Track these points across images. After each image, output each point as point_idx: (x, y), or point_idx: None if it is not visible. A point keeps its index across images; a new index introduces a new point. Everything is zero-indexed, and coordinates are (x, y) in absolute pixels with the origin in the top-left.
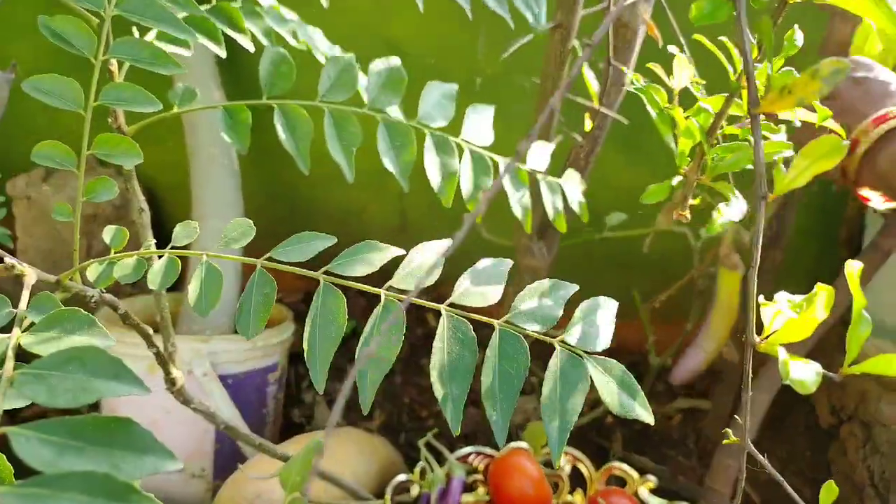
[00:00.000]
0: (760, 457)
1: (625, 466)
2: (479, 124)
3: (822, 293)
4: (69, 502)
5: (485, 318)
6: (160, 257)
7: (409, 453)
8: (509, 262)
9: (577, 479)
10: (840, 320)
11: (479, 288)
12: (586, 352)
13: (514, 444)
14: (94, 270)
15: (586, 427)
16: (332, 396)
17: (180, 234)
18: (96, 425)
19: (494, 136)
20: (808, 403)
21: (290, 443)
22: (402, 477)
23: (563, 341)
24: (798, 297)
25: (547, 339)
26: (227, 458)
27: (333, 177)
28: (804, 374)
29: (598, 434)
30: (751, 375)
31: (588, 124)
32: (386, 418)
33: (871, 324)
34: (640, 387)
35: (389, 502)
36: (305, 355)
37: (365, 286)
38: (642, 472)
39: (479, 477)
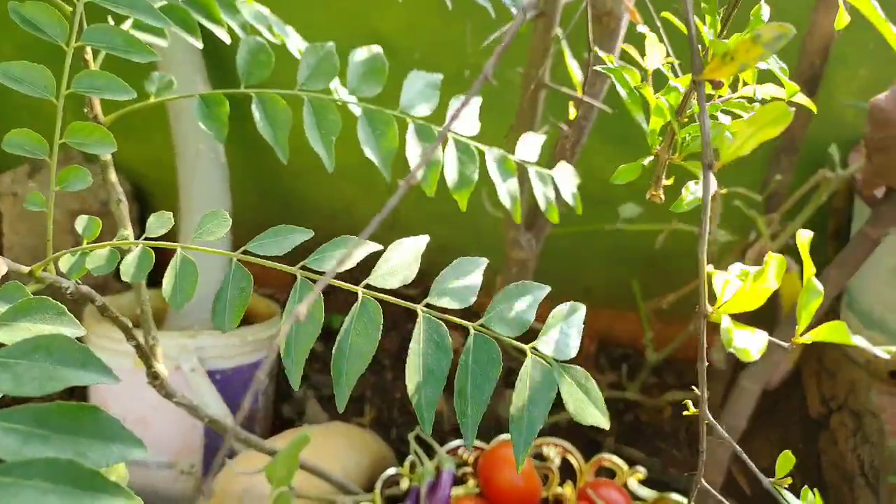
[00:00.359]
0: (719, 427)
1: (614, 458)
2: (465, 114)
3: (773, 262)
4: (33, 489)
5: (461, 321)
6: (136, 249)
7: (400, 448)
8: (484, 261)
9: (567, 471)
10: (829, 310)
11: (453, 288)
12: (556, 360)
13: (503, 437)
14: (66, 261)
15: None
16: (323, 392)
17: (154, 224)
18: (62, 413)
19: (482, 126)
20: (799, 393)
21: (278, 438)
22: (391, 470)
23: (534, 348)
24: (752, 268)
25: (520, 345)
26: (217, 453)
27: (324, 172)
28: (747, 341)
29: (591, 427)
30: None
31: (572, 112)
32: (377, 414)
33: (821, 294)
34: (600, 392)
35: (379, 496)
36: (282, 352)
37: (342, 283)
38: (632, 463)
39: (469, 469)
